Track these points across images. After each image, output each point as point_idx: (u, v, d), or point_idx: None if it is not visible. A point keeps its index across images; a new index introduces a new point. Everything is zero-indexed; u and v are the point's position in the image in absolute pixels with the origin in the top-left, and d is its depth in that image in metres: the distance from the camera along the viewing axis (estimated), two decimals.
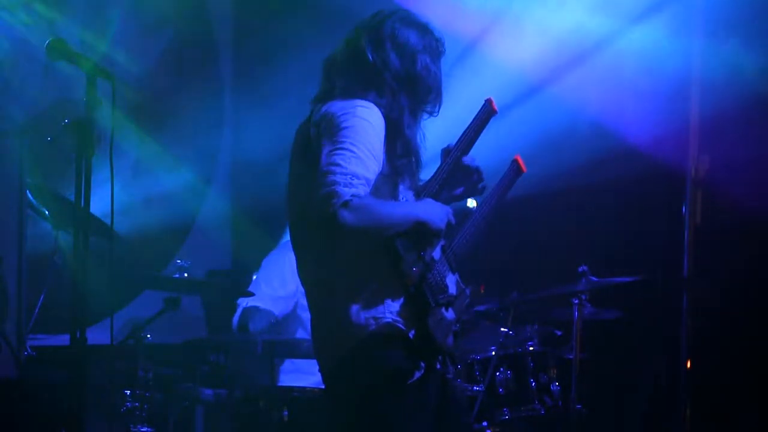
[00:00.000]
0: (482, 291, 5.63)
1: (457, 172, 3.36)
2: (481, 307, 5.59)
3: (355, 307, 3.09)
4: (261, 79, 6.91)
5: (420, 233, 3.13)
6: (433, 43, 3.32)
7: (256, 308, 5.17)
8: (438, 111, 3.36)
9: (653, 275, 6.31)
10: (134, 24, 6.74)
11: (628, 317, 5.62)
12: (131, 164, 6.67)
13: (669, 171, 6.34)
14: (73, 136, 2.90)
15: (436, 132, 3.44)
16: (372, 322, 3.08)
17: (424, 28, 3.32)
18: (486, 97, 3.41)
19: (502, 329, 5.48)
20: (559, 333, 5.71)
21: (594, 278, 5.32)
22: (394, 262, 3.08)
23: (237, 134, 7.11)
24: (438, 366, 3.24)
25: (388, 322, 3.09)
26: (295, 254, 3.27)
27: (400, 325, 3.11)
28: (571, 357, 5.38)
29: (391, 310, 3.10)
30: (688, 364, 6.12)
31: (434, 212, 3.17)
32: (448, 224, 3.22)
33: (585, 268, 5.31)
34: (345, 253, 3.09)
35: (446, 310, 3.22)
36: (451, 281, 3.31)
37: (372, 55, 3.24)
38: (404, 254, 3.08)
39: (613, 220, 6.55)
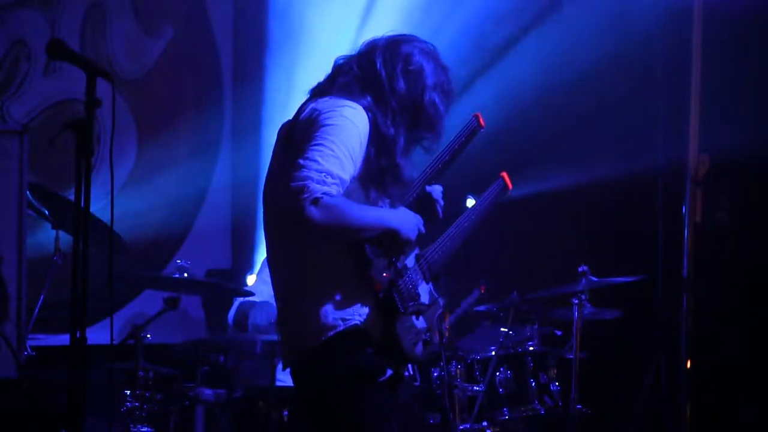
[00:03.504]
0: (482, 291, 5.64)
1: (424, 198, 3.32)
2: (481, 307, 5.60)
3: (324, 308, 3.06)
4: (261, 79, 6.91)
5: (390, 240, 3.10)
6: (445, 84, 3.28)
7: (251, 302, 5.16)
8: (434, 146, 3.32)
9: (653, 275, 6.32)
10: (134, 24, 6.74)
11: (628, 317, 5.62)
12: (131, 164, 6.68)
13: (669, 171, 6.35)
14: (73, 136, 2.89)
15: None
16: (340, 323, 3.06)
17: (442, 67, 3.29)
18: (473, 114, 3.39)
19: (502, 329, 5.47)
20: (559, 333, 5.71)
21: (594, 278, 5.32)
22: (363, 267, 3.06)
23: (237, 133, 7.10)
24: (406, 373, 3.23)
25: (356, 324, 3.07)
26: (267, 251, 3.24)
27: (368, 328, 3.09)
28: (571, 357, 5.37)
29: (360, 312, 3.08)
30: (688, 364, 6.12)
31: (406, 221, 3.14)
32: (419, 234, 3.19)
33: (585, 268, 5.31)
34: (317, 252, 3.07)
35: (416, 318, 3.20)
36: (424, 290, 3.29)
37: (381, 67, 3.21)
38: (374, 259, 3.06)
39: (613, 220, 6.56)
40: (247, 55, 7.12)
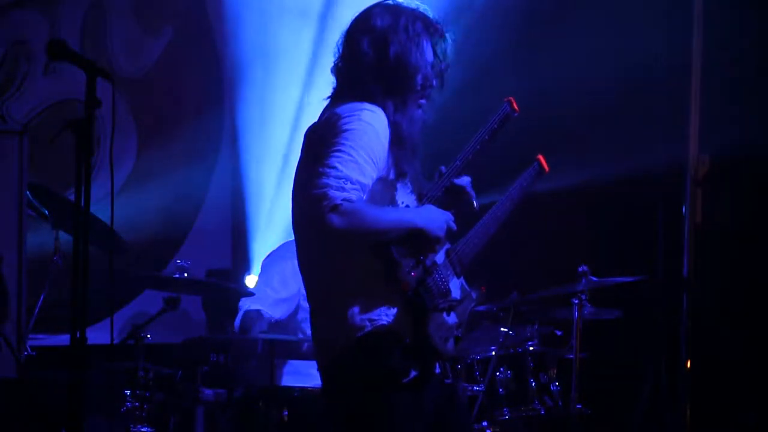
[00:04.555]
0: (483, 291, 5.63)
1: (454, 191, 3.29)
2: (481, 307, 5.59)
3: (352, 309, 3.06)
4: (262, 78, 6.91)
5: (418, 240, 3.08)
6: (410, 23, 3.21)
7: (258, 312, 5.16)
8: (440, 87, 3.27)
9: (653, 275, 6.32)
10: (134, 24, 6.74)
11: (628, 317, 5.62)
12: (131, 164, 6.68)
13: (669, 171, 6.35)
14: (73, 136, 2.90)
15: None
16: (368, 323, 3.06)
17: (399, 11, 3.23)
18: (506, 98, 3.35)
19: (502, 329, 5.47)
20: (559, 333, 5.71)
21: (594, 278, 5.32)
22: (390, 269, 3.05)
23: (237, 133, 7.10)
24: (438, 370, 3.22)
25: (384, 325, 3.07)
26: (297, 252, 3.25)
27: (397, 328, 3.08)
28: (571, 357, 5.37)
29: (387, 313, 3.07)
30: (688, 364, 6.12)
31: (432, 219, 3.12)
32: (449, 230, 3.17)
33: (585, 268, 5.31)
34: (342, 255, 3.07)
35: (447, 314, 3.18)
36: (455, 285, 3.27)
37: (345, 50, 3.22)
38: (400, 260, 3.04)
39: (613, 220, 6.55)
40: (247, 54, 7.12)
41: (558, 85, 6.27)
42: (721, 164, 6.17)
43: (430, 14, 3.28)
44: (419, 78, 3.21)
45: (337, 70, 3.28)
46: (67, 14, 6.49)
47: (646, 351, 6.47)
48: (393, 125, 3.14)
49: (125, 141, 6.61)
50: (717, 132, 6.13)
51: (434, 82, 3.25)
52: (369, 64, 3.18)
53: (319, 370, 3.22)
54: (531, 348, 5.52)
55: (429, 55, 3.23)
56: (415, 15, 3.24)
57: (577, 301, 5.34)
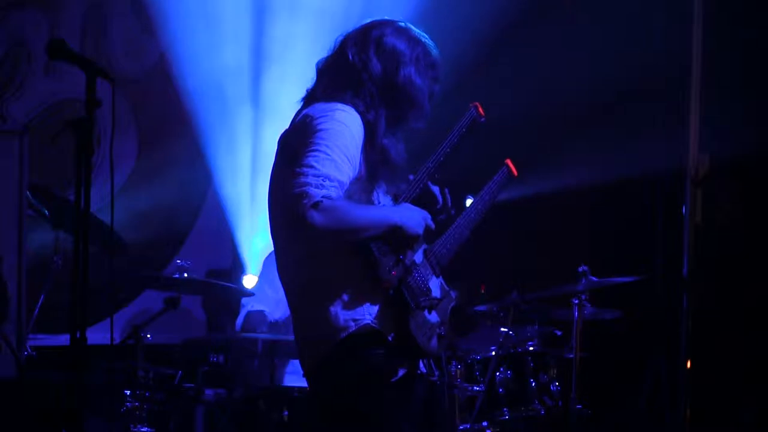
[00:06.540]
0: (482, 291, 5.64)
1: (427, 194, 3.31)
2: (481, 307, 5.60)
3: (334, 309, 3.07)
4: (262, 80, 6.90)
5: (396, 237, 3.10)
6: (422, 56, 3.27)
7: (261, 313, 5.16)
8: (422, 123, 3.30)
9: (653, 275, 6.32)
10: (134, 24, 6.73)
11: (628, 317, 5.62)
12: (132, 164, 6.68)
13: (669, 171, 6.35)
14: (73, 136, 2.90)
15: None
16: (352, 323, 3.06)
17: (416, 40, 3.28)
18: (471, 103, 3.37)
19: (502, 329, 5.48)
20: (559, 333, 5.71)
21: (594, 278, 5.32)
22: (371, 267, 3.06)
23: (237, 133, 7.09)
24: (423, 369, 3.23)
25: (368, 324, 3.07)
26: (275, 256, 3.25)
27: (380, 327, 3.09)
28: (571, 357, 5.38)
29: (370, 312, 3.08)
30: (688, 364, 6.12)
31: (411, 217, 3.14)
32: (427, 229, 3.19)
33: (585, 268, 5.31)
34: (323, 255, 3.08)
35: (429, 313, 3.20)
36: (435, 285, 3.29)
37: (353, 57, 3.22)
38: (380, 258, 3.06)
39: (613, 220, 6.56)
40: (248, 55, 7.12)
41: (558, 86, 6.27)
42: (721, 164, 6.17)
43: (435, 54, 3.31)
44: (415, 111, 3.25)
45: (326, 66, 3.28)
46: (67, 14, 6.49)
47: (646, 351, 6.46)
48: (377, 144, 3.16)
49: (125, 141, 6.61)
50: (717, 132, 6.13)
51: (423, 118, 3.29)
52: (376, 75, 3.20)
53: (304, 372, 3.21)
54: (531, 348, 5.52)
55: (427, 93, 3.28)
56: (426, 51, 3.29)
57: (577, 301, 5.34)
